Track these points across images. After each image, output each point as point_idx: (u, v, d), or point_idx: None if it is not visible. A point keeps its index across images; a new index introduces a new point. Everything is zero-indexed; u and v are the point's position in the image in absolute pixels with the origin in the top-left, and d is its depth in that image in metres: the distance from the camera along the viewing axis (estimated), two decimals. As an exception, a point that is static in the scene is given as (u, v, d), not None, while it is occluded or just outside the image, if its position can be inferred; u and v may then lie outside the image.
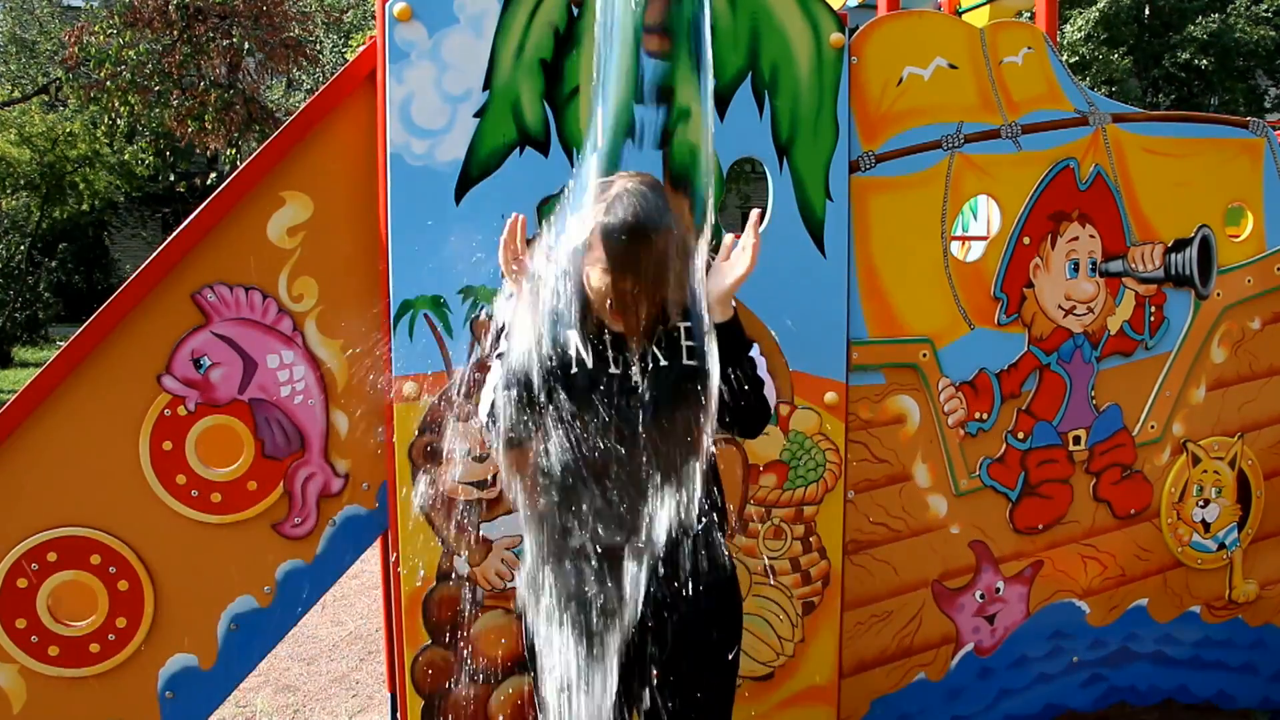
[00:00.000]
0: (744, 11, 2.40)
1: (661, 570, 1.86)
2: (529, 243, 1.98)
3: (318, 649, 4.07)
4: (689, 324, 1.89)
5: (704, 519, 1.94)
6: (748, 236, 1.93)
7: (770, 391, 2.00)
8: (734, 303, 1.95)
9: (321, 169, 2.33)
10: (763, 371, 1.98)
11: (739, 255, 1.94)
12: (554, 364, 1.82)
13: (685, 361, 1.87)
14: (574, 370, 1.85)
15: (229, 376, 2.31)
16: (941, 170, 2.63)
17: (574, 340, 1.86)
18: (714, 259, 1.98)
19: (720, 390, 1.84)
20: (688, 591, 1.90)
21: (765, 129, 2.46)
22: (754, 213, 1.96)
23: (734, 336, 1.92)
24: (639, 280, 1.80)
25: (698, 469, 1.91)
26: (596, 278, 1.83)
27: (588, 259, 1.83)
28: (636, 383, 1.85)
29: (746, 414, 1.95)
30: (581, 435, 1.84)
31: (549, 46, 2.31)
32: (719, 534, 2.00)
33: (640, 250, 1.78)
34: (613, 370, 1.85)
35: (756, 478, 2.56)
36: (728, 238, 1.97)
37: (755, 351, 1.98)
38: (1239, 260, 2.93)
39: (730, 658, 2.00)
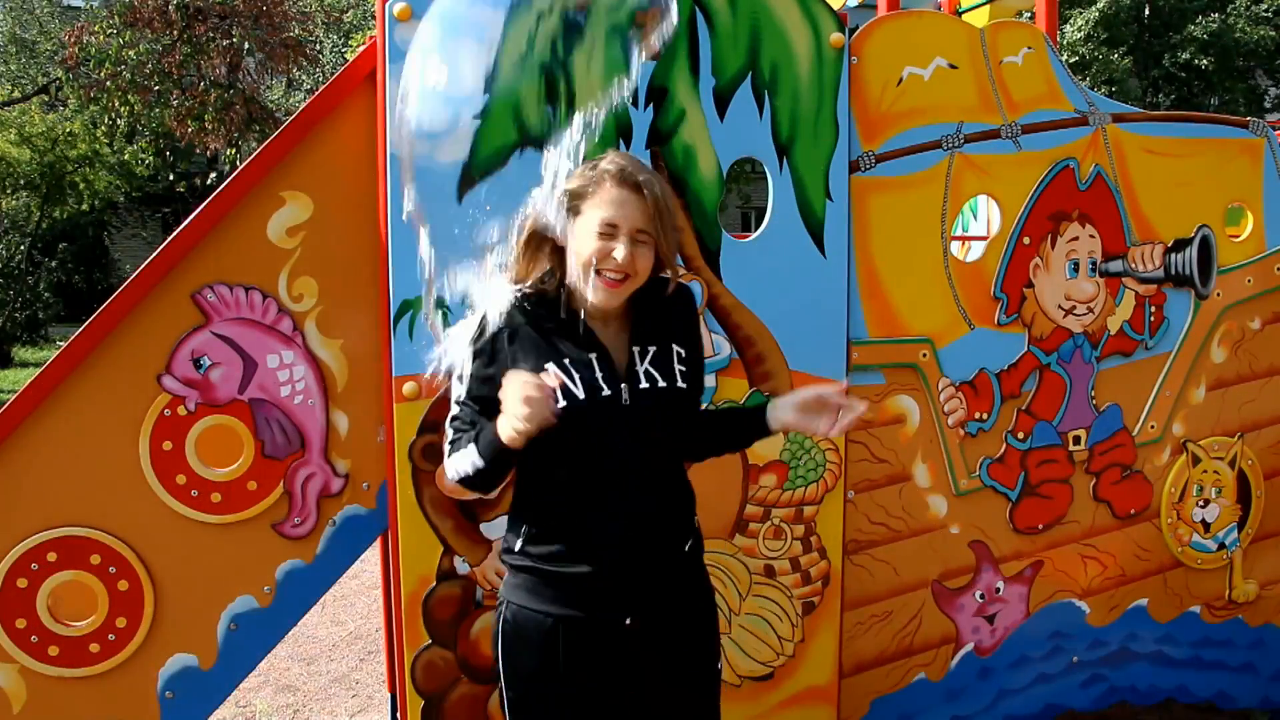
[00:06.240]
0: (744, 11, 2.40)
1: (660, 587, 1.86)
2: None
3: (318, 649, 4.07)
4: (682, 349, 1.85)
5: (694, 537, 1.93)
6: (847, 415, 1.84)
7: None
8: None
9: (321, 169, 2.33)
10: None
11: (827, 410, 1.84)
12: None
13: (678, 385, 1.83)
14: (562, 402, 1.72)
15: (229, 376, 2.31)
16: (941, 170, 2.63)
17: (555, 371, 1.75)
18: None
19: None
20: (681, 609, 1.90)
21: (765, 129, 2.46)
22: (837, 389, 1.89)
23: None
24: (641, 226, 1.74)
25: (686, 486, 1.92)
26: (587, 238, 1.74)
27: (580, 220, 1.76)
28: (627, 403, 1.78)
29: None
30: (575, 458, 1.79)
31: (550, 48, 2.30)
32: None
33: (643, 190, 1.74)
34: (604, 393, 1.77)
35: (756, 478, 2.56)
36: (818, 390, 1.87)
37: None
38: (1239, 260, 2.93)
39: (718, 666, 2.00)
